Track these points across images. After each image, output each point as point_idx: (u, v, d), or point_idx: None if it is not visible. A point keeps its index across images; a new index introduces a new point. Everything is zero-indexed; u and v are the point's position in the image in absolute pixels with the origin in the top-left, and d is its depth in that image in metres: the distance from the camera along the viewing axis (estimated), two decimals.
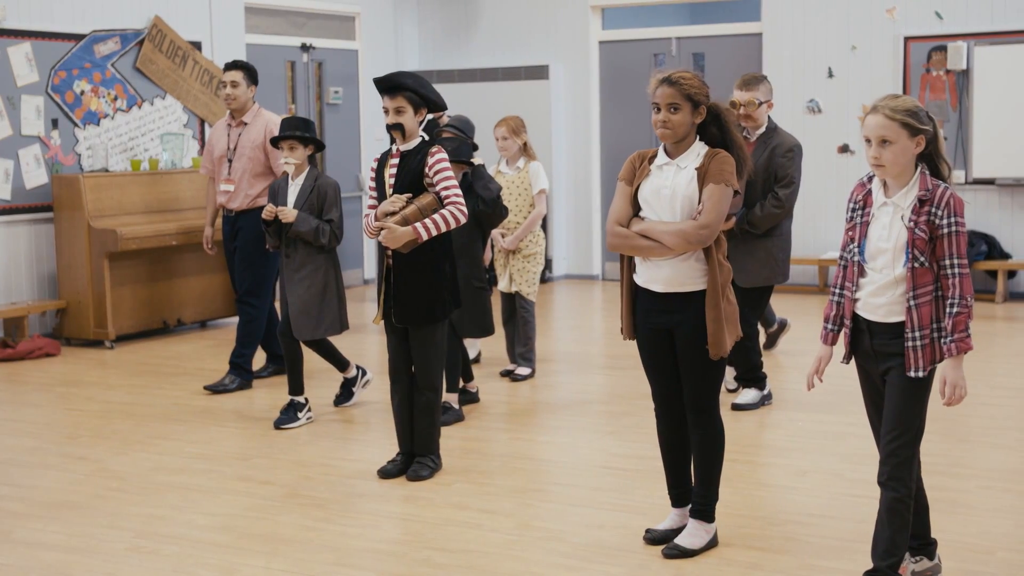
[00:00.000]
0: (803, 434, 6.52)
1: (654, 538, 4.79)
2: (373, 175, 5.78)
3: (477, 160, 7.03)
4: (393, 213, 5.57)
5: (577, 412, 7.10)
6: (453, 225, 5.62)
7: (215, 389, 7.75)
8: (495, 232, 7.76)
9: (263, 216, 6.79)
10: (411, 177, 5.64)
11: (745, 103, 6.80)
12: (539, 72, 12.67)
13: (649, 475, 5.66)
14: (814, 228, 11.60)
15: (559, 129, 12.82)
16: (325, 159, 12.16)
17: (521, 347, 7.97)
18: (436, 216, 5.58)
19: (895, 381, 4.01)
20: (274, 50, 11.89)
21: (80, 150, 9.91)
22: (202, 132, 10.90)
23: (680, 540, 4.68)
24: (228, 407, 7.38)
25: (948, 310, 3.93)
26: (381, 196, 5.71)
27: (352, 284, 12.37)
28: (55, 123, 9.70)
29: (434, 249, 5.66)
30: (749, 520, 5.12)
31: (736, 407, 6.98)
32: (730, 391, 7.27)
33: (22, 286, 9.59)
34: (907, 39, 11.27)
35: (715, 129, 4.56)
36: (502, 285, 7.91)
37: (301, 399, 6.95)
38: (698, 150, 4.53)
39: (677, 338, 4.56)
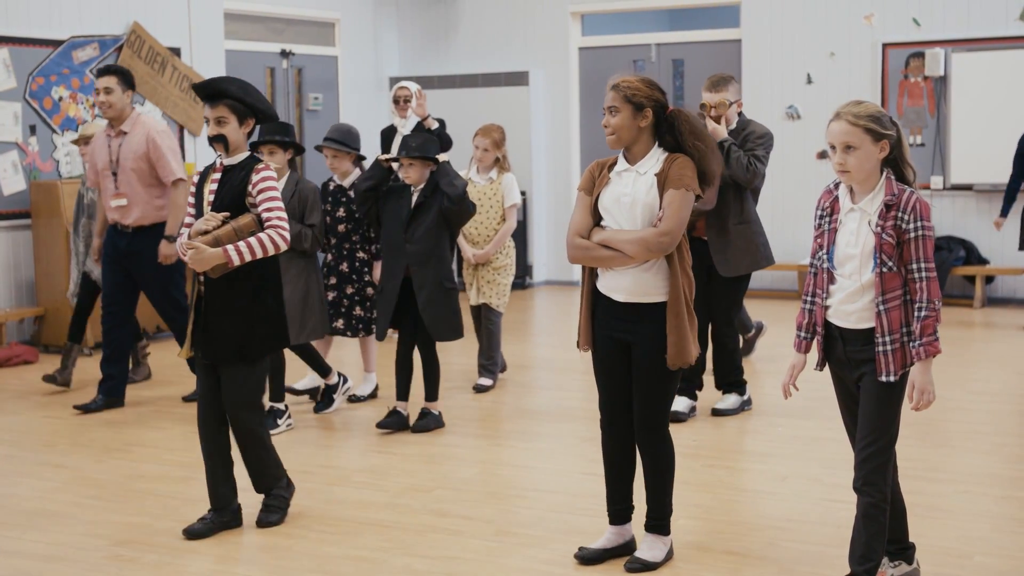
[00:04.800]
0: (782, 439, 6.53)
1: (586, 557, 4.65)
2: (193, 190, 5.22)
3: (442, 157, 6.85)
4: (207, 232, 4.99)
5: (556, 418, 7.09)
6: (271, 251, 5.01)
7: (192, 398, 7.59)
8: (463, 244, 7.66)
9: None
10: (232, 195, 5.06)
11: (715, 105, 6.77)
12: (519, 78, 12.68)
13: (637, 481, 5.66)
14: (793, 234, 11.63)
15: (539, 135, 12.83)
16: (304, 165, 12.14)
17: (484, 359, 7.86)
18: (252, 240, 4.95)
19: (868, 387, 4.02)
20: (253, 56, 11.87)
21: (58, 156, 9.87)
22: (181, 139, 10.87)
23: (641, 554, 4.62)
24: None
25: (916, 314, 3.94)
26: (199, 214, 5.15)
27: None
28: (33, 129, 9.65)
29: (254, 277, 5.05)
30: (728, 525, 5.13)
31: (716, 412, 6.99)
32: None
33: None
34: (885, 45, 11.33)
35: (670, 138, 4.49)
36: (471, 298, 7.77)
37: (281, 406, 6.93)
38: (657, 156, 4.49)
39: (634, 351, 4.50)
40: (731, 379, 7.04)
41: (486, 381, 7.84)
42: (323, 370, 7.25)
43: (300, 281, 6.74)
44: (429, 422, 6.80)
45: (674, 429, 6.60)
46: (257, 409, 5.13)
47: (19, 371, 8.81)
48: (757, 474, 6.01)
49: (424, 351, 6.85)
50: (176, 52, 10.81)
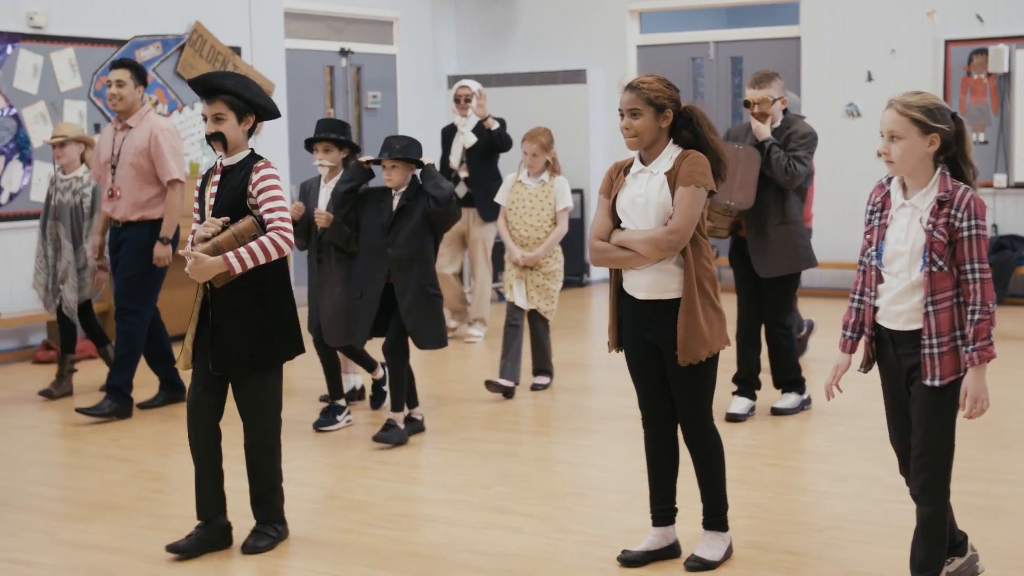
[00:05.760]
0: (842, 439, 6.48)
1: (628, 560, 4.63)
2: (197, 194, 4.97)
3: (427, 160, 6.61)
4: (207, 239, 4.74)
5: (613, 417, 7.06)
6: (275, 256, 4.74)
7: (89, 413, 7.16)
8: (511, 245, 7.54)
9: (291, 215, 6.76)
10: (232, 196, 4.80)
11: (758, 101, 6.72)
12: (577, 76, 12.67)
13: (687, 480, 5.63)
14: (853, 232, 11.51)
15: (596, 133, 12.81)
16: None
17: (540, 362, 7.76)
18: (253, 244, 4.69)
19: (919, 393, 3.91)
20: (313, 55, 11.95)
21: None
22: None
23: (700, 552, 4.60)
24: None
25: (969, 317, 3.82)
26: (203, 219, 4.89)
27: None
28: (97, 128, 9.77)
29: (262, 283, 4.79)
30: (789, 525, 5.10)
31: (776, 411, 6.95)
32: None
33: None
34: (948, 42, 11.20)
35: (687, 133, 4.48)
36: (518, 300, 7.56)
37: (340, 402, 6.98)
38: (671, 154, 4.47)
39: (665, 353, 4.48)
40: (789, 378, 6.99)
41: (543, 380, 7.82)
42: (369, 365, 7.25)
43: (350, 283, 6.73)
44: (392, 435, 6.44)
45: (732, 428, 6.64)
46: (276, 424, 4.91)
47: (82, 366, 8.90)
48: (817, 474, 5.97)
49: (391, 358, 6.49)
50: (237, 51, 10.92)
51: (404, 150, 6.46)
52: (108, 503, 5.62)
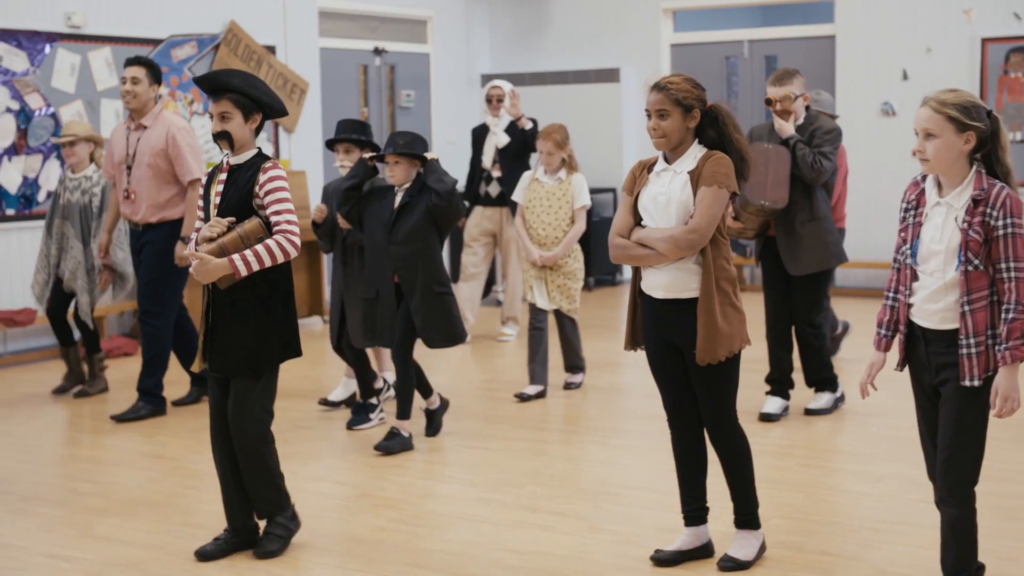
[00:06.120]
0: (876, 439, 6.45)
1: (661, 559, 4.64)
2: (201, 192, 4.92)
3: (431, 155, 6.45)
4: (213, 240, 4.68)
5: (646, 416, 7.04)
6: (280, 259, 4.67)
7: (125, 418, 7.18)
8: (529, 245, 7.42)
9: (313, 218, 6.78)
10: (239, 196, 4.72)
11: (780, 99, 6.69)
12: (610, 75, 12.66)
13: (718, 479, 5.63)
14: (888, 231, 11.46)
15: (629, 132, 12.79)
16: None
17: (571, 359, 7.74)
18: (259, 247, 4.62)
19: (951, 393, 3.87)
20: (347, 54, 12.00)
21: None
22: (276, 136, 11.02)
23: (733, 552, 4.60)
24: (300, 408, 7.45)
25: (1003, 316, 3.78)
26: (207, 218, 4.83)
27: None
28: None
29: (263, 285, 4.73)
30: (822, 526, 5.09)
31: (809, 411, 6.92)
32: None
33: None
34: (984, 40, 11.12)
35: (712, 132, 4.47)
36: (540, 302, 7.47)
37: (373, 401, 7.00)
38: (695, 153, 4.46)
39: (686, 353, 4.47)
40: (821, 376, 6.95)
41: (576, 378, 7.83)
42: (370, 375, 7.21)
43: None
44: (394, 444, 6.36)
45: (765, 428, 6.62)
46: (262, 424, 4.81)
47: (119, 363, 9.00)
48: (851, 474, 5.94)
49: (395, 357, 6.41)
50: (271, 50, 10.97)
51: (407, 145, 6.34)
52: (143, 499, 5.67)
